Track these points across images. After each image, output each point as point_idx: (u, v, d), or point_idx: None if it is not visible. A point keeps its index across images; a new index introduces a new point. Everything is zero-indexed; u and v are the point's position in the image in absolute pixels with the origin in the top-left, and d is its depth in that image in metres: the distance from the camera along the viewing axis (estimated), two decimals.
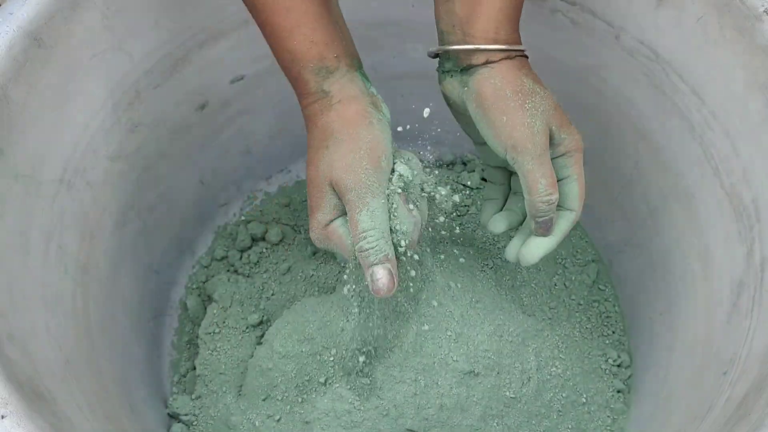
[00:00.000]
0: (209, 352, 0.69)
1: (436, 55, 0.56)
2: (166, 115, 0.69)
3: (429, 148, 0.88)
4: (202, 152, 0.76)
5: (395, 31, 0.76)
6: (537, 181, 0.52)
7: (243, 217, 0.83)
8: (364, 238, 0.50)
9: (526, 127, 0.52)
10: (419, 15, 0.74)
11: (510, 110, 0.52)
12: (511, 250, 0.59)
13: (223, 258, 0.79)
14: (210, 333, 0.70)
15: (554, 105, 0.54)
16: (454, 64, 0.54)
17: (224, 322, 0.70)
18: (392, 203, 0.52)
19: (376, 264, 0.50)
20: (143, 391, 0.67)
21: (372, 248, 0.50)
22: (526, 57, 0.55)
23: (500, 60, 0.53)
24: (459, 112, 0.57)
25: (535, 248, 0.57)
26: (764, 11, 0.54)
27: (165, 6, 0.63)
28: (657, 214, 0.70)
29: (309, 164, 0.53)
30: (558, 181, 0.55)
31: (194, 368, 0.70)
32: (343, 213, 0.53)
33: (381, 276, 0.50)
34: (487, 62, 0.53)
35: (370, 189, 0.50)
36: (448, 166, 0.87)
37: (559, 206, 0.56)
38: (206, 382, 0.68)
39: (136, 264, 0.70)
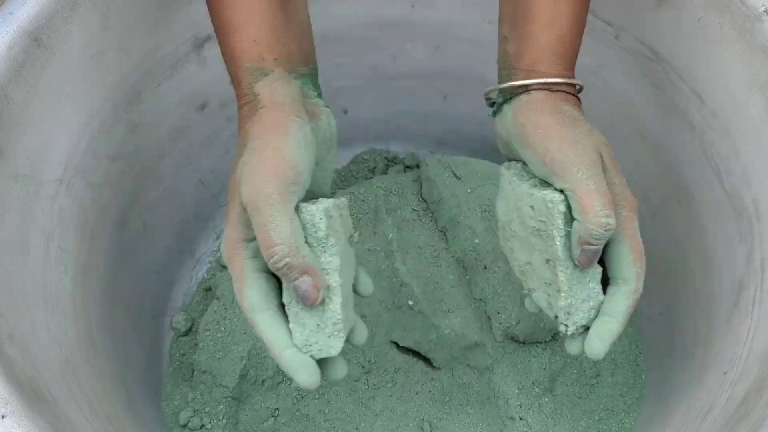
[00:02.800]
0: (209, 348, 0.69)
1: (492, 104, 0.54)
2: (166, 115, 0.69)
3: (430, 149, 0.88)
4: (202, 152, 0.76)
5: (395, 31, 0.76)
6: (591, 197, 0.45)
7: None
8: (272, 255, 0.44)
9: (569, 140, 0.46)
10: (419, 15, 0.74)
11: (547, 124, 0.47)
12: (575, 344, 0.49)
13: (225, 267, 0.79)
14: (210, 330, 0.70)
15: (605, 141, 0.49)
16: (503, 99, 0.52)
17: (225, 319, 0.70)
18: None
19: (295, 279, 0.44)
20: (143, 391, 0.67)
21: (283, 265, 0.44)
22: (574, 94, 0.51)
23: (539, 89, 0.50)
24: (510, 151, 0.53)
25: (596, 337, 0.47)
26: (764, 11, 0.54)
27: (165, 6, 0.63)
28: (657, 214, 0.70)
29: (231, 172, 0.48)
30: (608, 241, 0.47)
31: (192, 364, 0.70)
32: (252, 236, 0.46)
33: (304, 288, 0.44)
34: (527, 89, 0.50)
35: (269, 201, 0.44)
36: None
37: (611, 278, 0.49)
38: (206, 378, 0.68)
39: (136, 264, 0.70)
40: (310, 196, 0.49)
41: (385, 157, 0.86)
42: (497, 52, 0.54)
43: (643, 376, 0.70)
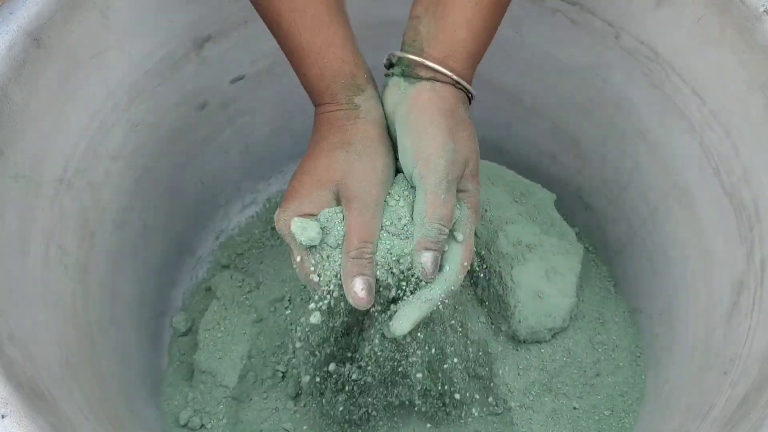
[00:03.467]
0: (209, 348, 0.69)
1: (390, 66, 0.56)
2: (166, 115, 0.69)
3: None
4: (202, 152, 0.76)
5: (395, 31, 0.75)
6: (436, 205, 0.50)
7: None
8: (364, 247, 0.50)
9: (447, 150, 0.50)
10: None
11: (438, 125, 0.51)
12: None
13: (225, 267, 0.79)
14: (210, 330, 0.70)
15: (476, 149, 0.53)
16: (403, 71, 0.54)
17: (225, 319, 0.70)
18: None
19: (362, 275, 0.50)
20: (143, 391, 0.67)
21: (368, 258, 0.50)
22: (470, 98, 0.55)
23: (445, 83, 0.53)
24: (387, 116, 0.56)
25: (404, 315, 0.52)
26: (764, 11, 0.54)
27: (165, 6, 0.63)
28: (657, 214, 0.70)
29: (317, 155, 0.53)
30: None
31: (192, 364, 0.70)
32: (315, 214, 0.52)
33: (361, 287, 0.50)
34: (433, 79, 0.53)
35: (376, 205, 0.51)
36: None
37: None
38: (206, 378, 0.68)
39: (136, 264, 0.70)
40: None
41: None
42: (405, 26, 0.56)
43: (643, 376, 0.70)
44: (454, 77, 0.52)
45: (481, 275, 0.68)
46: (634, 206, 0.74)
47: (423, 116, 0.52)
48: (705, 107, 0.61)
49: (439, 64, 0.52)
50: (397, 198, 0.52)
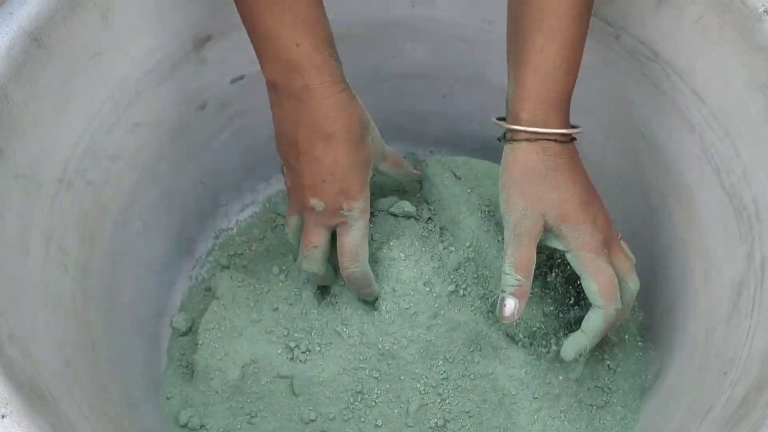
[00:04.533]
0: (209, 348, 0.69)
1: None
2: (166, 115, 0.69)
3: (430, 149, 0.88)
4: (202, 152, 0.76)
5: (395, 31, 0.76)
6: (506, 258, 0.57)
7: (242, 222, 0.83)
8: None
9: (514, 209, 0.56)
10: (419, 15, 0.74)
11: (509, 190, 0.57)
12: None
13: (225, 267, 0.79)
14: (210, 330, 0.70)
15: (559, 198, 0.56)
16: (500, 138, 0.59)
17: (225, 319, 0.70)
18: None
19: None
20: (143, 391, 0.67)
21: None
22: (557, 141, 0.56)
23: (521, 140, 0.56)
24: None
25: (569, 345, 0.61)
26: (764, 11, 0.54)
27: (165, 6, 0.63)
28: (657, 214, 0.70)
29: (352, 144, 0.58)
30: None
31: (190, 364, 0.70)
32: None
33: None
34: (511, 139, 0.57)
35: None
36: None
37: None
38: (206, 378, 0.68)
39: (136, 264, 0.70)
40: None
41: None
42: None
43: (643, 376, 0.70)
44: (523, 129, 0.55)
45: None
46: (634, 206, 0.73)
47: (500, 183, 0.58)
48: (705, 107, 0.61)
49: (512, 121, 0.56)
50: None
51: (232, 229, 0.83)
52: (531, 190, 0.56)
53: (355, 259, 0.60)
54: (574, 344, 0.60)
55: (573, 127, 0.58)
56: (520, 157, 0.56)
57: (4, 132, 0.52)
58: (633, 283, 0.60)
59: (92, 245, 0.62)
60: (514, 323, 0.60)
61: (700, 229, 0.64)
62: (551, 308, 0.68)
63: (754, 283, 0.56)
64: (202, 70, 0.69)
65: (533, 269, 0.57)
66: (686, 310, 0.66)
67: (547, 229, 0.57)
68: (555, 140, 0.56)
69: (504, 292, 0.57)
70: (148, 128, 0.67)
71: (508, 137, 0.57)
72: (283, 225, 0.82)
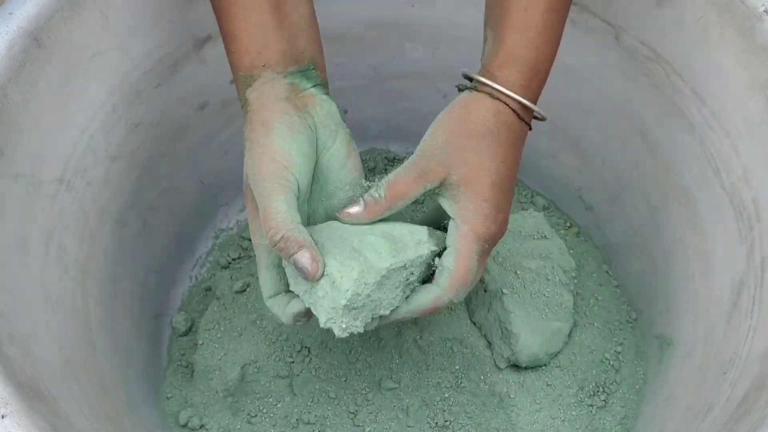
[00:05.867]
0: (209, 348, 0.69)
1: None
2: (166, 115, 0.69)
3: None
4: (202, 152, 0.76)
5: (395, 31, 0.76)
6: (391, 173, 0.53)
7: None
8: (269, 231, 0.48)
9: (426, 144, 0.52)
10: (419, 15, 0.74)
11: (437, 126, 0.53)
12: None
13: (226, 267, 0.79)
14: (210, 330, 0.70)
15: (484, 166, 0.51)
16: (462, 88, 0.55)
17: (225, 319, 0.70)
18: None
19: (294, 254, 0.48)
20: (143, 391, 0.67)
21: (279, 239, 0.48)
22: (517, 114, 0.52)
23: (481, 92, 0.51)
24: None
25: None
26: (764, 11, 0.54)
27: (165, 6, 0.63)
28: (657, 214, 0.70)
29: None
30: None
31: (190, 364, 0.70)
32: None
33: (303, 262, 0.48)
34: (474, 88, 0.52)
35: (264, 188, 0.49)
36: None
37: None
38: (206, 378, 0.68)
39: (136, 264, 0.70)
40: (336, 184, 0.55)
41: (385, 157, 0.86)
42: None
43: (643, 376, 0.70)
44: (497, 86, 0.51)
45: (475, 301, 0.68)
46: (634, 206, 0.74)
47: (437, 118, 0.53)
48: (705, 107, 0.61)
49: (482, 73, 0.52)
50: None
51: (232, 229, 0.83)
52: (460, 139, 0.51)
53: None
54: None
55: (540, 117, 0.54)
56: (471, 106, 0.51)
57: (4, 132, 0.52)
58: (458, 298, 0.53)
59: (92, 245, 0.62)
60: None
61: (700, 229, 0.64)
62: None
63: (754, 282, 0.56)
64: (202, 70, 0.69)
65: (400, 205, 0.52)
66: (686, 310, 0.66)
67: (445, 185, 0.51)
68: (515, 112, 0.52)
69: (361, 197, 0.53)
70: (148, 128, 0.67)
71: (470, 87, 0.53)
72: None
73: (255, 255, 0.54)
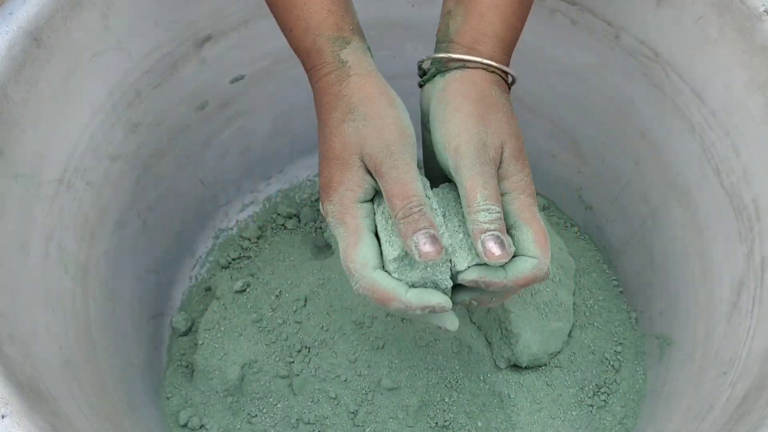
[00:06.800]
0: (209, 348, 0.69)
1: (423, 74, 0.55)
2: (166, 115, 0.69)
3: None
4: (202, 152, 0.76)
5: (395, 31, 0.76)
6: (476, 189, 0.47)
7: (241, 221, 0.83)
8: (408, 203, 0.46)
9: (475, 133, 0.49)
10: (419, 15, 0.74)
11: (466, 111, 0.49)
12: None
13: (226, 267, 0.79)
14: (210, 330, 0.70)
15: (516, 132, 0.51)
16: (435, 70, 0.53)
17: (225, 319, 0.70)
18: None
19: (421, 230, 0.46)
20: (143, 391, 0.67)
21: (417, 211, 0.46)
22: (506, 80, 0.53)
23: (476, 68, 0.51)
24: (425, 124, 0.54)
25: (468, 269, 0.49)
26: (764, 11, 0.54)
27: (165, 6, 0.63)
28: (657, 214, 0.70)
29: (328, 136, 0.50)
30: (508, 228, 0.49)
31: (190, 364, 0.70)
32: (368, 195, 0.49)
33: (425, 240, 0.45)
34: (464, 66, 0.51)
35: (404, 160, 0.48)
36: None
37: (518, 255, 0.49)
38: (206, 378, 0.68)
39: (136, 264, 0.70)
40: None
41: None
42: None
43: (643, 376, 0.70)
44: (484, 61, 0.51)
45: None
46: (634, 206, 0.74)
47: (450, 105, 0.50)
48: (705, 107, 0.61)
49: (467, 51, 0.52)
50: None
51: (232, 229, 0.83)
52: (491, 116, 0.50)
53: (351, 274, 0.49)
54: (485, 271, 0.48)
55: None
56: (478, 82, 0.51)
57: (4, 132, 0.52)
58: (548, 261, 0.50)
59: (92, 245, 0.62)
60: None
61: (700, 229, 0.64)
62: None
63: (754, 282, 0.56)
64: (202, 70, 0.69)
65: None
66: (686, 310, 0.66)
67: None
68: (504, 80, 0.53)
69: (486, 231, 0.47)
70: (148, 128, 0.67)
71: (452, 65, 0.52)
72: (283, 225, 0.82)
73: (340, 233, 0.49)
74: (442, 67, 0.53)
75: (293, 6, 0.52)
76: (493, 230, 0.47)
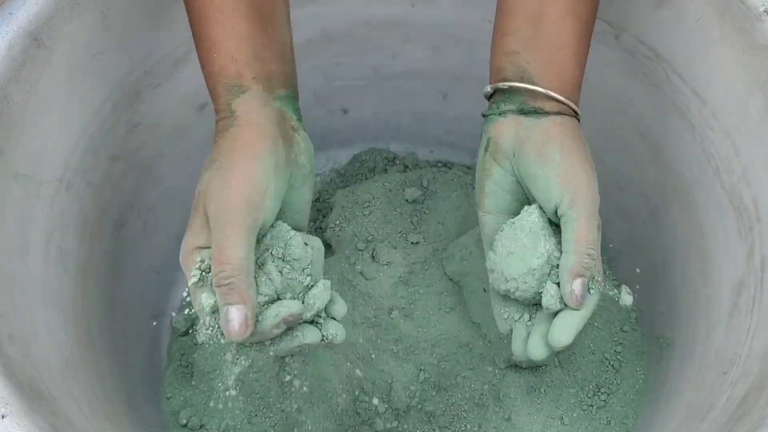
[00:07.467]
0: (209, 348, 0.69)
1: (490, 96, 0.55)
2: (166, 115, 0.69)
3: (430, 149, 0.88)
4: (202, 152, 0.75)
5: (395, 31, 0.76)
6: (588, 233, 0.50)
7: None
8: (221, 271, 0.45)
9: (589, 175, 0.51)
10: (419, 15, 0.74)
11: (580, 154, 0.51)
12: (535, 343, 0.52)
13: None
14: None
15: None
16: (518, 106, 0.53)
17: None
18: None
19: (232, 303, 0.45)
20: (143, 391, 0.67)
21: (227, 284, 0.45)
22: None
23: (570, 116, 0.53)
24: (496, 156, 0.54)
25: (566, 325, 0.50)
26: (764, 11, 0.54)
27: (165, 6, 0.63)
28: (657, 214, 0.70)
29: (199, 178, 0.50)
30: None
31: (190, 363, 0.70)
32: (210, 243, 0.48)
33: (234, 317, 0.45)
34: (560, 113, 0.52)
35: (233, 225, 0.46)
36: (446, 165, 0.87)
37: None
38: (206, 378, 0.68)
39: (136, 264, 0.70)
40: (290, 223, 0.51)
41: (385, 157, 0.86)
42: (491, 54, 0.55)
43: (643, 376, 0.70)
44: (575, 108, 0.53)
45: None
46: (634, 206, 0.74)
47: (563, 148, 0.51)
48: (705, 107, 0.61)
49: (558, 92, 0.52)
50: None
51: None
52: (590, 163, 0.52)
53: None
54: (572, 324, 0.50)
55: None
56: (575, 129, 0.53)
57: (4, 132, 0.52)
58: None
59: (92, 245, 0.62)
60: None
61: (700, 229, 0.64)
62: None
63: (754, 283, 0.56)
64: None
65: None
66: (686, 310, 0.66)
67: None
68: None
69: (582, 275, 0.50)
70: (148, 128, 0.67)
71: (548, 108, 0.52)
72: None
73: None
74: (529, 106, 0.53)
75: (207, 48, 0.51)
76: (586, 277, 0.50)
